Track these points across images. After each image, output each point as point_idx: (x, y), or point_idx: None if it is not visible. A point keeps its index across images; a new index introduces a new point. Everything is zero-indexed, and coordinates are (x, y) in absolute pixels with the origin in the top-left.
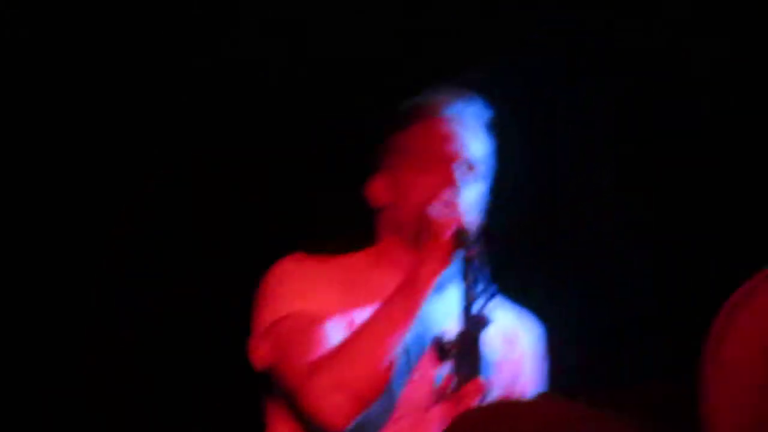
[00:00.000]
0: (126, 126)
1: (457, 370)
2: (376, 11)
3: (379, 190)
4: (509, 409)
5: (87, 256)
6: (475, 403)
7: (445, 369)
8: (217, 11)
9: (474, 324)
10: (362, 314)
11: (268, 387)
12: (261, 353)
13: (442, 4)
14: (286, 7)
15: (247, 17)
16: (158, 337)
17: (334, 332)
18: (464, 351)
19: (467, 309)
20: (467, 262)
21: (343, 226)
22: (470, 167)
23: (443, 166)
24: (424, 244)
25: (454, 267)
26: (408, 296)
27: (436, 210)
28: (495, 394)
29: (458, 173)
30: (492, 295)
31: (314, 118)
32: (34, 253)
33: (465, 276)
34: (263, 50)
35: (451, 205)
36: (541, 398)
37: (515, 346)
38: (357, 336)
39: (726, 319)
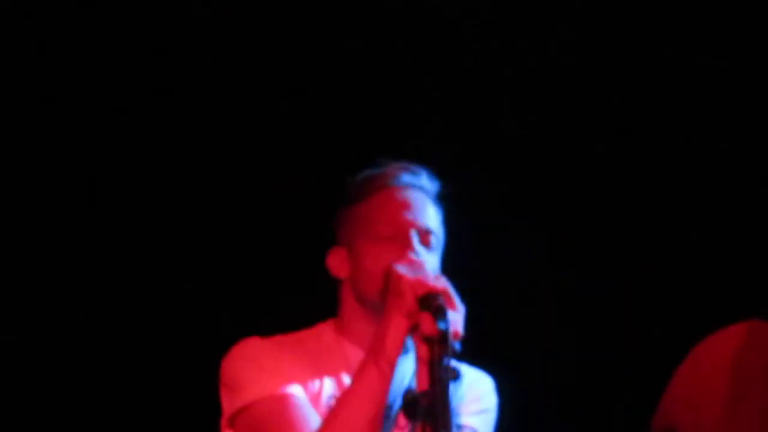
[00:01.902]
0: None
1: (430, 422)
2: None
3: (337, 262)
4: None
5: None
6: None
7: (416, 422)
8: None
9: (445, 376)
10: (329, 385)
11: None
12: None
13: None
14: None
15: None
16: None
17: (308, 409)
18: (436, 403)
19: (437, 362)
20: (435, 317)
21: (305, 298)
22: (425, 235)
23: (401, 234)
24: (389, 303)
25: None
26: (380, 359)
27: (401, 268)
28: None
29: (415, 240)
30: (458, 350)
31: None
32: (34, 253)
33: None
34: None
35: (416, 263)
36: None
37: (477, 399)
38: (340, 409)
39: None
